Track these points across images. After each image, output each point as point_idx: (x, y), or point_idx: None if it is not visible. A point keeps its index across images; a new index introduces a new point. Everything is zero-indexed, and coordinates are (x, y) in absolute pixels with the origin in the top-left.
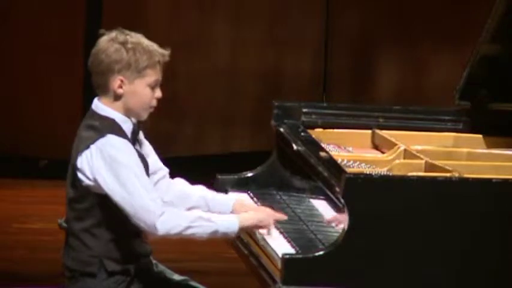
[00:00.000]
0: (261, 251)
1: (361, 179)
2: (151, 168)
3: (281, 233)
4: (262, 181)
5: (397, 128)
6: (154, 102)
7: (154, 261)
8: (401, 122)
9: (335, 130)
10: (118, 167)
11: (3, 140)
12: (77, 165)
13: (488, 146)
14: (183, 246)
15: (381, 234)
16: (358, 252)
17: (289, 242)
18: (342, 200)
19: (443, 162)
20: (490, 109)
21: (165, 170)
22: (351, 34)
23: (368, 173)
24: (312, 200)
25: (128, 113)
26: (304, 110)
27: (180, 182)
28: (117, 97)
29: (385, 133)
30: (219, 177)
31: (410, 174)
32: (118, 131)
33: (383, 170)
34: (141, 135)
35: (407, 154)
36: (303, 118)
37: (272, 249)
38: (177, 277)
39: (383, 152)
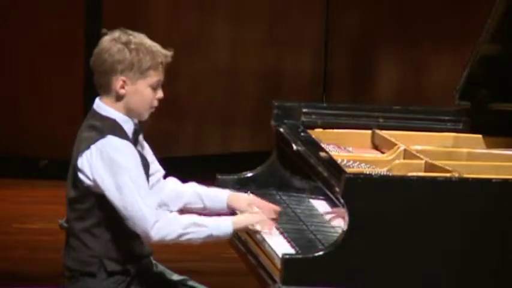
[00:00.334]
0: (260, 250)
1: (361, 179)
2: (149, 170)
3: (281, 233)
4: (262, 181)
5: (397, 128)
6: (155, 103)
7: (154, 262)
8: (401, 122)
9: (335, 130)
10: (117, 169)
11: (3, 140)
12: (78, 166)
13: (488, 146)
14: (183, 246)
15: (380, 234)
16: (358, 252)
17: (289, 242)
18: (342, 200)
19: (443, 162)
20: (490, 109)
21: (162, 172)
22: (351, 34)
23: (368, 173)
24: (311, 200)
25: (129, 113)
26: (304, 110)
27: (172, 181)
28: (119, 97)
29: (385, 133)
30: (219, 177)
31: (410, 174)
32: (119, 131)
33: (383, 170)
34: (140, 136)
35: (407, 154)
36: (303, 118)
37: (272, 249)
38: (176, 277)
39: (383, 152)
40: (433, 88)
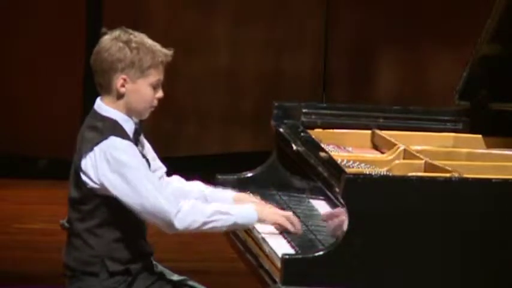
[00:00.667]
0: (260, 250)
1: (361, 179)
2: (151, 168)
3: (281, 233)
4: (262, 181)
5: (397, 128)
6: (155, 102)
7: (154, 262)
8: (401, 122)
9: (335, 130)
10: (125, 170)
11: (3, 140)
12: (81, 167)
13: (488, 146)
14: (183, 246)
15: (380, 234)
16: (358, 252)
17: (288, 242)
18: (342, 200)
19: (443, 162)
20: (490, 109)
21: (163, 169)
22: (351, 34)
23: (368, 173)
24: (311, 200)
25: (129, 112)
26: (304, 110)
27: (177, 179)
28: (120, 96)
29: (384, 133)
30: (219, 177)
31: (410, 174)
32: (120, 131)
33: (383, 170)
34: (141, 136)
35: (407, 154)
36: (303, 118)
37: (272, 249)
38: (176, 277)
39: (383, 152)
40: (433, 88)
